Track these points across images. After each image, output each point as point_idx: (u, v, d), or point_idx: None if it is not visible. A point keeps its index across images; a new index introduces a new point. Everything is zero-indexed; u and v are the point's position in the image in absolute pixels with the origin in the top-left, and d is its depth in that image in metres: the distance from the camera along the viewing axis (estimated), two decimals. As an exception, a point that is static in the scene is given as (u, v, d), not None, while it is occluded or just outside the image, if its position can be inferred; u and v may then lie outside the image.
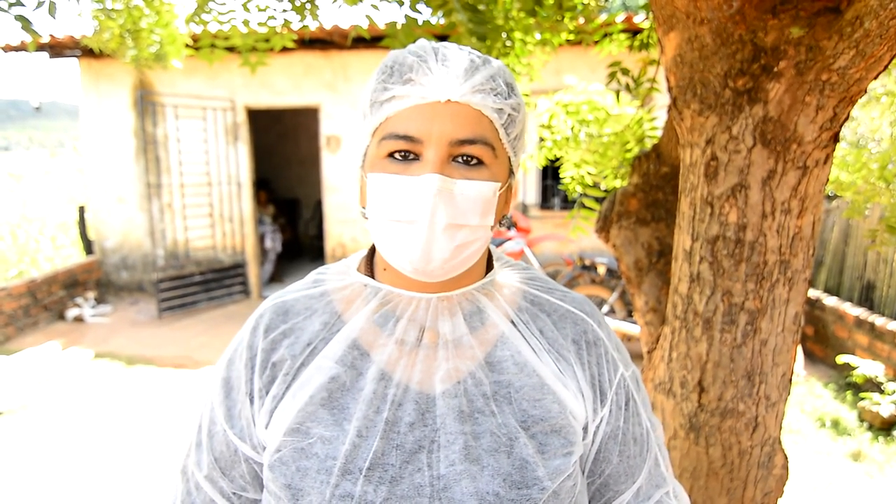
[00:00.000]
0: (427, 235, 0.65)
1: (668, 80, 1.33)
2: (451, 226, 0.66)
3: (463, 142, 0.66)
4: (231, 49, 2.15)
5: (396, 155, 0.67)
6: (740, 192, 1.21)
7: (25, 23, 1.54)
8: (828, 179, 1.23)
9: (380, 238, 0.70)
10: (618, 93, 2.19)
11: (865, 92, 1.11)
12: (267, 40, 2.12)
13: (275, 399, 0.71)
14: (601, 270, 5.10)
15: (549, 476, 0.68)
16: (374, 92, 0.69)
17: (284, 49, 2.17)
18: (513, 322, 0.76)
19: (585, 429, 0.75)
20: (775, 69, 1.13)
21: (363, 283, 0.77)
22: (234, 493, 0.76)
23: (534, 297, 0.79)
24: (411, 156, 0.67)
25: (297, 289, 0.79)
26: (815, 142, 1.15)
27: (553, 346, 0.75)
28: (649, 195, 1.78)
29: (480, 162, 0.68)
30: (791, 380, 1.33)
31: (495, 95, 0.68)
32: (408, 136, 0.66)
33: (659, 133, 2.05)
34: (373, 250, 0.81)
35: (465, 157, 0.67)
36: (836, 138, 1.17)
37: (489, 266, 0.81)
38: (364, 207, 0.73)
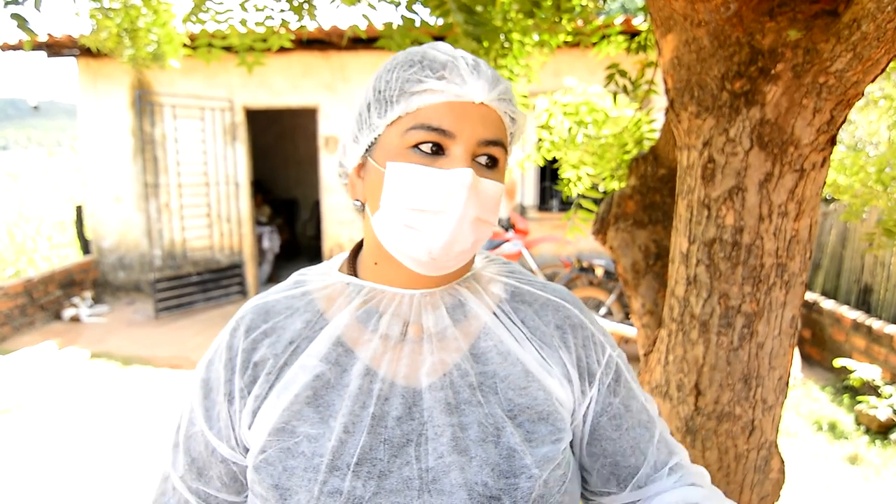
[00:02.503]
0: (456, 226, 0.67)
1: (665, 83, 1.33)
2: (477, 220, 0.68)
3: (489, 142, 0.69)
4: (229, 49, 2.15)
5: (424, 147, 0.67)
6: (737, 195, 1.21)
7: (21, 21, 1.53)
8: (825, 182, 1.23)
9: (393, 227, 0.70)
10: (615, 94, 2.19)
11: (862, 95, 1.11)
12: (264, 40, 2.11)
13: (257, 399, 0.71)
14: (599, 272, 5.10)
15: (537, 464, 0.68)
16: (404, 82, 0.68)
17: (283, 49, 2.16)
18: (495, 314, 0.77)
19: (574, 413, 0.76)
20: (772, 72, 1.13)
21: (345, 282, 0.77)
22: (209, 495, 0.75)
23: (515, 289, 0.81)
24: (438, 149, 0.68)
25: (278, 290, 0.79)
26: (812, 145, 1.15)
27: (535, 334, 0.76)
28: (646, 197, 1.77)
29: (496, 163, 0.71)
30: (787, 383, 1.33)
31: (512, 104, 0.73)
32: (441, 129, 0.67)
33: (657, 135, 2.05)
34: (355, 251, 0.81)
35: (486, 157, 0.70)
36: (832, 141, 1.17)
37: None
38: (356, 200, 0.75)
